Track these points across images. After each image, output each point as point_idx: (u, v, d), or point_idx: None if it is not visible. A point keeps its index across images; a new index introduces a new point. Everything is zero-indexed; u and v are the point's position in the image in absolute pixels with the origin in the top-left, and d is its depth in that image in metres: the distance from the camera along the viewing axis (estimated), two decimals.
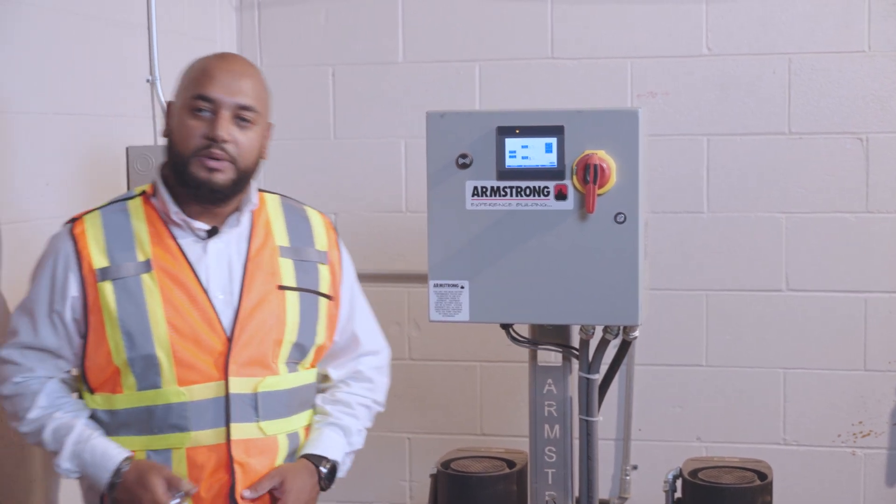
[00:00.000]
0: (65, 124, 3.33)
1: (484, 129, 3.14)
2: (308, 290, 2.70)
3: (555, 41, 4.22)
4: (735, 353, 4.19)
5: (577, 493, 3.44)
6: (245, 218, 2.67)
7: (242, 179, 2.61)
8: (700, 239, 4.17)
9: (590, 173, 3.05)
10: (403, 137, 4.33)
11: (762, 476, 3.58)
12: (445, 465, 3.67)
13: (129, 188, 3.63)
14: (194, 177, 2.54)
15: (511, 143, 3.12)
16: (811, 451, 4.18)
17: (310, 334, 2.70)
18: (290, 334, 2.65)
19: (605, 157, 3.07)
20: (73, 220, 2.63)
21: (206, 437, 2.55)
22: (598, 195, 3.07)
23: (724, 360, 4.20)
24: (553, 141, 3.10)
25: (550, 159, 3.11)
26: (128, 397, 2.56)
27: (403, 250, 4.35)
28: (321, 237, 2.80)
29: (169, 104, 2.67)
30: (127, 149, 3.63)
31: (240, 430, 2.57)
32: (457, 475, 3.61)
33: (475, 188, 3.16)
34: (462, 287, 3.19)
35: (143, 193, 2.66)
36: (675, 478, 3.65)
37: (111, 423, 2.58)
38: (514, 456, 3.73)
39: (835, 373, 4.14)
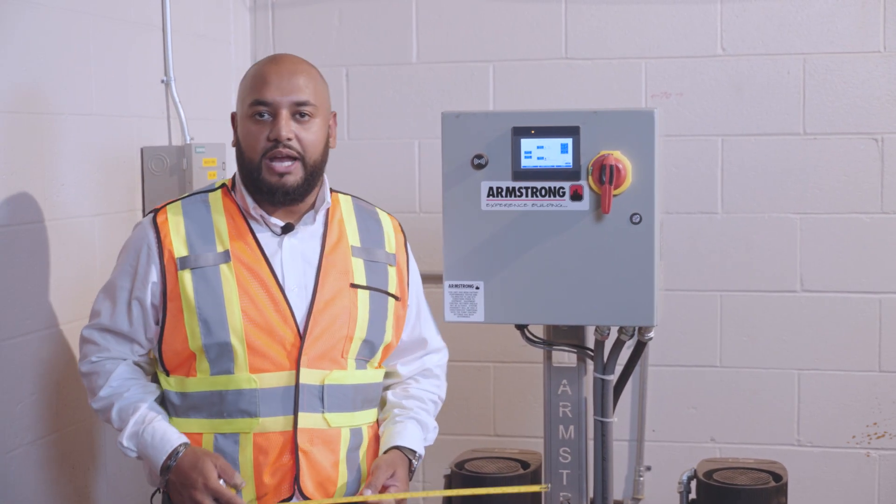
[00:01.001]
0: (79, 125, 3.33)
1: (499, 130, 3.14)
2: (378, 290, 2.77)
3: (569, 41, 4.21)
4: (749, 353, 4.18)
5: (591, 494, 3.43)
6: (320, 216, 2.76)
7: (314, 175, 2.68)
8: (714, 239, 4.16)
9: (605, 174, 3.05)
10: (417, 138, 4.33)
11: (777, 477, 3.57)
12: (459, 465, 3.67)
13: (143, 189, 3.65)
14: (267, 182, 2.64)
15: (526, 144, 3.12)
16: (825, 453, 4.17)
17: (379, 332, 2.77)
18: (361, 331, 2.72)
19: (621, 158, 3.06)
20: (157, 210, 2.71)
21: (273, 423, 2.62)
22: (614, 196, 3.06)
23: (738, 361, 4.20)
24: (569, 141, 3.10)
25: (566, 160, 3.10)
26: (200, 381, 2.64)
27: (417, 251, 4.26)
28: (391, 240, 2.87)
29: (233, 116, 2.74)
30: (141, 149, 3.65)
31: (306, 420, 2.64)
32: (471, 476, 3.60)
33: (490, 189, 3.16)
34: (477, 288, 3.19)
35: (223, 186, 2.76)
36: (690, 479, 3.64)
37: (182, 405, 2.66)
38: (527, 457, 3.73)
39: (849, 374, 4.13)
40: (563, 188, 3.12)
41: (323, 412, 2.65)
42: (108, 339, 2.72)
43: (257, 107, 2.63)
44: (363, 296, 2.74)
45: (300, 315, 2.65)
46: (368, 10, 4.35)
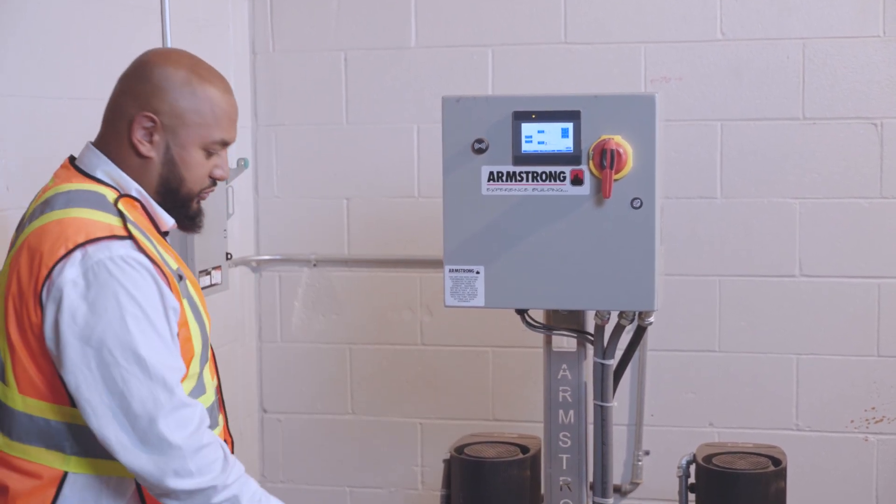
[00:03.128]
0: (80, 109, 3.31)
1: (500, 114, 3.13)
2: None
3: (568, 26, 4.20)
4: (748, 338, 4.19)
5: (591, 479, 3.44)
6: None
7: None
8: (713, 224, 4.16)
9: (606, 158, 3.04)
10: (416, 123, 4.32)
11: (776, 462, 3.57)
12: (459, 450, 3.67)
13: None
14: (196, 212, 2.42)
15: (527, 128, 3.12)
16: (824, 437, 4.17)
17: None
18: None
19: (622, 143, 3.06)
20: (125, 238, 2.21)
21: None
22: (615, 180, 3.06)
23: (736, 346, 4.20)
24: (569, 126, 3.10)
25: (567, 144, 3.10)
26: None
27: (416, 236, 4.35)
28: None
29: (153, 119, 2.30)
30: None
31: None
32: (470, 460, 3.60)
33: (491, 173, 3.15)
34: (477, 272, 3.19)
35: (119, 198, 2.30)
36: (689, 463, 3.64)
37: None
38: (527, 441, 3.73)
39: (848, 358, 4.13)
40: (563, 173, 3.11)
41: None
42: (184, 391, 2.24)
43: (219, 146, 2.38)
44: None
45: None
46: None
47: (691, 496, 3.65)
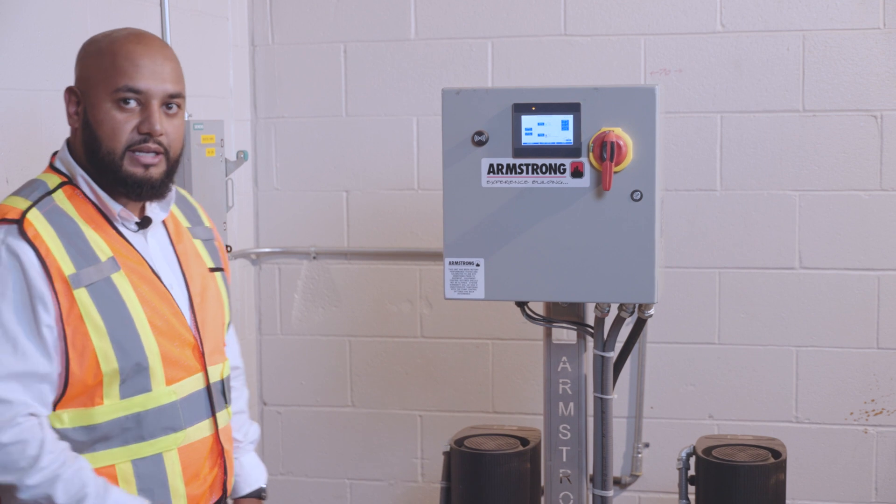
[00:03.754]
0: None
1: (500, 107, 3.13)
2: (220, 269, 2.64)
3: (568, 18, 4.20)
4: (747, 331, 4.19)
5: (590, 471, 3.44)
6: (167, 206, 2.52)
7: (173, 169, 2.45)
8: (713, 216, 4.16)
9: (606, 151, 3.04)
10: (415, 115, 4.32)
11: (776, 454, 3.57)
12: (459, 442, 3.67)
13: None
14: (131, 175, 2.35)
15: (527, 121, 3.11)
16: (823, 430, 4.18)
17: (230, 312, 2.69)
18: (227, 315, 2.65)
19: (622, 135, 3.06)
20: (16, 222, 2.28)
21: (198, 431, 2.47)
22: (615, 173, 3.06)
23: (736, 338, 4.20)
24: (569, 118, 3.09)
25: (567, 136, 3.10)
26: (110, 408, 2.33)
27: (415, 228, 4.34)
28: (202, 214, 2.70)
29: (73, 91, 2.40)
30: None
31: (221, 418, 2.54)
32: (470, 452, 3.60)
33: (491, 166, 3.15)
34: (477, 265, 3.19)
35: (62, 185, 2.39)
36: (689, 455, 3.64)
37: (86, 441, 2.33)
38: (527, 433, 3.73)
39: (847, 351, 4.14)
40: (563, 165, 3.11)
41: (227, 406, 2.57)
42: (18, 392, 2.24)
43: (125, 93, 2.33)
44: (219, 278, 2.61)
45: (186, 312, 2.46)
46: None
47: (691, 488, 3.65)
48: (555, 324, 3.36)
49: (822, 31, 4.05)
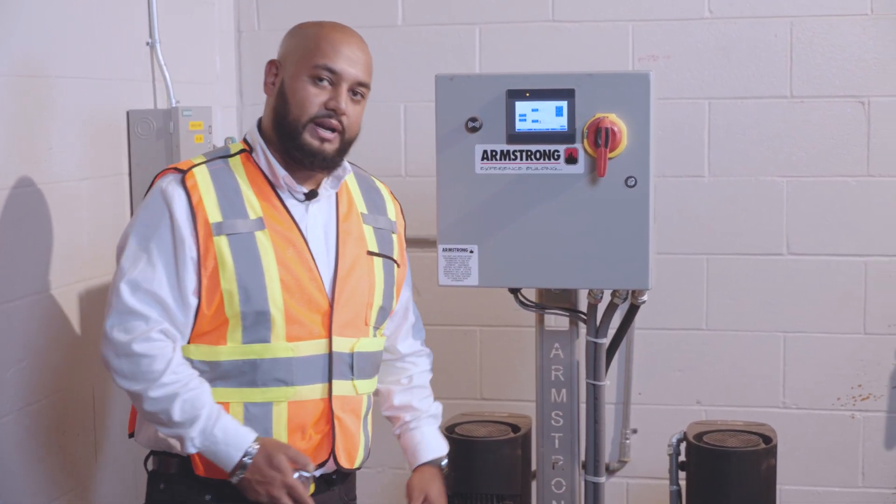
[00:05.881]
0: (66, 88, 3.28)
1: (494, 93, 3.12)
2: (387, 257, 2.81)
3: (556, 4, 4.19)
4: (735, 316, 4.20)
5: (583, 458, 3.44)
6: (338, 184, 2.75)
7: (345, 150, 2.69)
8: (701, 203, 4.16)
9: (601, 137, 3.03)
10: (403, 101, 4.30)
11: (767, 440, 3.59)
12: (450, 429, 3.67)
13: (129, 152, 3.61)
14: (308, 144, 2.61)
15: (521, 107, 3.10)
16: (810, 415, 4.19)
17: (390, 299, 2.82)
18: (378, 298, 2.76)
19: (616, 121, 3.05)
20: (182, 171, 2.60)
21: (310, 391, 2.62)
22: (609, 159, 3.05)
23: (724, 324, 4.21)
24: (563, 104, 3.08)
25: (561, 123, 3.09)
26: (232, 349, 2.57)
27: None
28: (390, 207, 2.91)
29: (274, 63, 2.70)
30: (128, 112, 3.60)
31: (339, 388, 2.66)
32: (462, 439, 3.60)
33: (485, 152, 3.14)
34: (471, 251, 3.18)
35: (241, 151, 2.69)
36: (680, 441, 3.65)
37: (210, 375, 2.58)
38: (517, 420, 3.73)
39: (835, 336, 4.15)
40: (557, 151, 3.10)
41: (353, 379, 2.69)
42: (156, 310, 2.53)
43: (323, 71, 2.61)
44: (378, 263, 2.78)
45: (327, 282, 2.65)
46: None
47: (682, 474, 3.66)
48: (548, 310, 3.35)
49: (810, 17, 4.05)
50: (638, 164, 3.07)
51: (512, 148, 3.12)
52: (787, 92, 4.08)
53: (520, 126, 3.11)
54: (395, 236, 2.87)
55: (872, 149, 4.05)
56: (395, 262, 2.84)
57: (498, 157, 3.13)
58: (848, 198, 4.08)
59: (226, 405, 2.57)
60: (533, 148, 3.11)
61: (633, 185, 3.08)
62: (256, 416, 2.58)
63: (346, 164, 2.75)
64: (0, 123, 3.01)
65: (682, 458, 3.66)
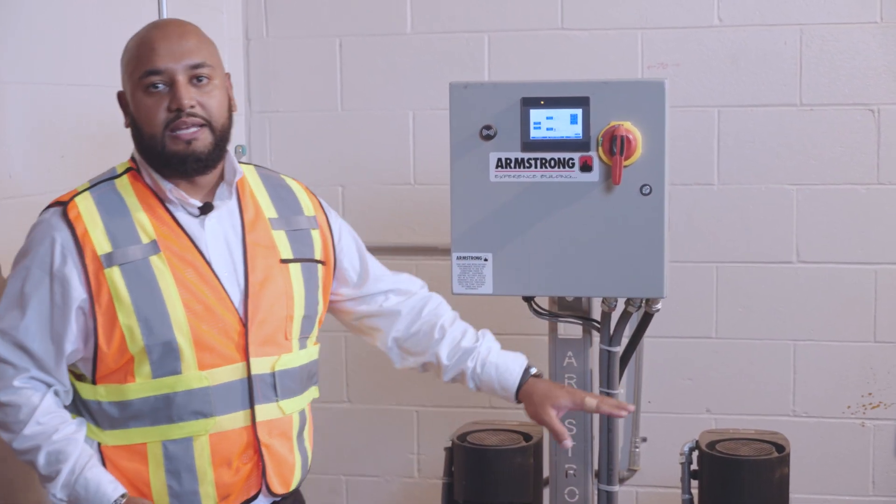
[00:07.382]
0: (78, 96, 3.28)
1: (508, 101, 3.12)
2: (306, 260, 2.62)
3: (565, 12, 4.18)
4: (745, 324, 4.19)
5: (596, 466, 3.43)
6: (232, 190, 2.57)
7: (223, 140, 2.50)
8: (710, 211, 4.16)
9: (616, 145, 3.03)
10: (412, 109, 4.29)
11: (780, 448, 3.57)
12: (461, 438, 3.65)
13: None
14: (173, 153, 2.43)
15: (536, 115, 3.10)
16: (821, 423, 4.19)
17: (315, 305, 2.64)
18: (300, 308, 2.58)
19: (632, 129, 3.05)
20: (63, 203, 2.44)
21: (230, 421, 2.46)
22: (624, 167, 3.05)
23: (734, 332, 4.20)
24: (578, 112, 3.08)
25: (576, 130, 3.09)
26: (141, 386, 2.41)
27: (412, 223, 4.32)
28: (306, 203, 2.71)
29: (120, 95, 2.54)
30: None
31: (263, 412, 2.51)
32: (474, 448, 3.59)
33: (499, 160, 3.14)
34: (485, 260, 3.18)
35: (128, 171, 2.53)
36: (692, 450, 3.64)
37: (120, 416, 2.44)
38: (529, 429, 3.72)
39: (844, 344, 4.14)
40: (572, 159, 3.10)
41: (277, 400, 2.53)
42: (25, 360, 2.41)
43: (149, 77, 2.42)
44: (295, 270, 2.59)
45: (237, 301, 2.47)
46: None
47: (693, 483, 3.65)
48: (561, 319, 3.35)
49: (820, 24, 4.05)
50: (653, 171, 3.07)
51: (526, 156, 3.12)
52: (797, 100, 4.08)
53: (534, 134, 3.11)
54: (315, 233, 2.67)
55: (882, 157, 4.04)
56: (318, 262, 2.66)
57: (512, 164, 3.13)
58: (858, 206, 4.08)
59: (142, 447, 2.44)
60: (547, 156, 3.11)
61: (648, 193, 3.08)
62: (176, 455, 2.44)
63: (237, 166, 2.55)
64: (10, 131, 3.00)
65: (694, 466, 3.65)
